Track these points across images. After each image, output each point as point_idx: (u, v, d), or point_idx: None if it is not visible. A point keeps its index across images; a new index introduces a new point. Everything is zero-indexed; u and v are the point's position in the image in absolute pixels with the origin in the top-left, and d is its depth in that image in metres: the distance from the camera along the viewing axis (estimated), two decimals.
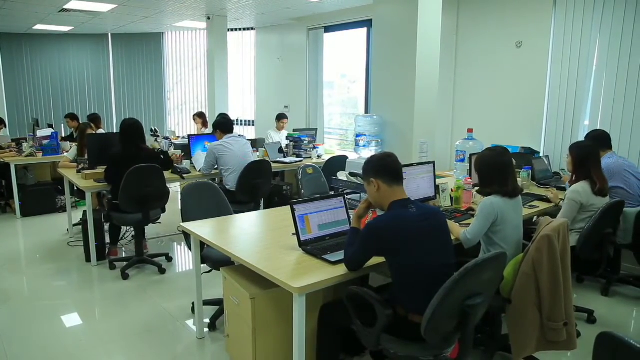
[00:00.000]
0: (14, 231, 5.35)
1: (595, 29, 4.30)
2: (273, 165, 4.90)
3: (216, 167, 4.45)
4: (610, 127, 4.20)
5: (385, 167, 2.11)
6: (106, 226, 4.43)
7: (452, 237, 2.30)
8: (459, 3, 5.43)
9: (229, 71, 7.92)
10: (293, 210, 2.38)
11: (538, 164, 4.26)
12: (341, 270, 2.10)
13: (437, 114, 4.41)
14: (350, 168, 3.76)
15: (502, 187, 2.49)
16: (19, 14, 7.23)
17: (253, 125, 9.06)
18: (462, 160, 4.16)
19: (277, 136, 6.49)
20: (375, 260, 2.13)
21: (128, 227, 4.75)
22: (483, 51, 5.25)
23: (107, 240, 4.39)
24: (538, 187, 4.02)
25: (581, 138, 4.20)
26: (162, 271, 4.00)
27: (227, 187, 4.34)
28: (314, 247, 2.34)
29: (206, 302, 3.06)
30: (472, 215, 2.92)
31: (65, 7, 6.59)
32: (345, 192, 3.06)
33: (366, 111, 6.71)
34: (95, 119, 6.10)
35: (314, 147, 5.96)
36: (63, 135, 6.97)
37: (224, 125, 4.49)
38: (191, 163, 4.83)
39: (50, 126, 6.78)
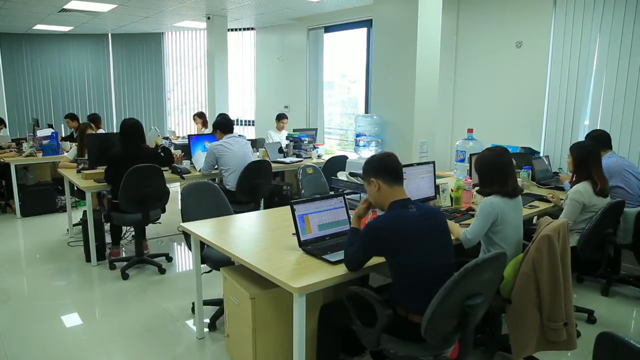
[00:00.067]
0: (14, 231, 5.35)
1: (595, 29, 4.30)
2: (273, 165, 4.90)
3: (216, 167, 4.45)
4: (610, 127, 4.20)
5: (385, 167, 2.11)
6: (107, 226, 4.43)
7: (452, 237, 2.30)
8: (459, 3, 5.43)
9: (229, 71, 7.92)
10: (293, 210, 2.38)
11: (538, 164, 4.26)
12: (341, 270, 2.10)
13: (437, 114, 4.41)
14: (350, 168, 3.76)
15: (502, 187, 2.49)
16: (19, 14, 7.23)
17: (253, 125, 9.06)
18: (462, 160, 4.16)
19: (277, 136, 6.49)
20: (375, 260, 2.13)
21: (128, 227, 4.75)
22: (483, 51, 5.25)
23: (107, 240, 4.39)
24: (538, 187, 4.02)
25: (581, 138, 4.20)
26: (162, 271, 4.00)
27: (227, 187, 4.34)
28: (314, 247, 2.34)
29: (206, 302, 3.06)
30: (472, 215, 2.92)
31: (65, 7, 6.59)
32: (345, 192, 3.06)
33: (366, 111, 6.71)
34: (95, 119, 6.10)
35: (314, 147, 5.96)
36: (63, 135, 6.97)
37: (224, 125, 4.49)
38: (191, 163, 4.83)
39: (50, 126, 6.79)
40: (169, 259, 4.28)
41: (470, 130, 4.28)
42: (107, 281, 3.86)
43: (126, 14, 7.38)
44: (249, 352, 2.30)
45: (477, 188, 2.79)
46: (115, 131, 8.30)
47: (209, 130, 6.57)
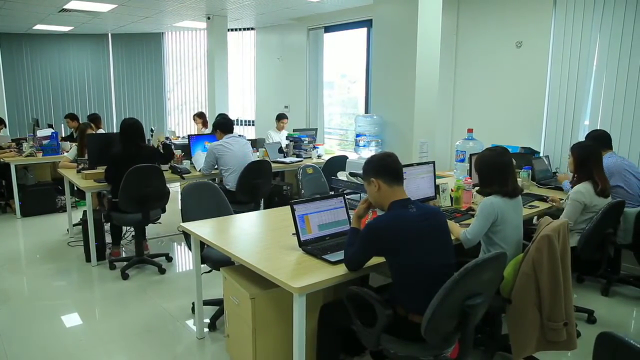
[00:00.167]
0: (14, 231, 5.35)
1: (595, 29, 4.30)
2: (273, 165, 4.90)
3: (216, 167, 4.45)
4: (610, 127, 4.20)
5: (385, 167, 2.11)
6: (107, 226, 4.43)
7: (452, 237, 2.30)
8: (459, 3, 5.43)
9: (229, 71, 7.92)
10: (293, 210, 2.38)
11: (538, 164, 4.26)
12: (341, 270, 2.10)
13: (437, 114, 4.41)
14: (350, 168, 3.76)
15: (502, 187, 2.49)
16: (19, 14, 7.23)
17: (253, 125, 9.06)
18: (462, 160, 4.16)
19: (277, 136, 6.49)
20: (375, 260, 2.13)
21: (128, 227, 4.75)
22: (483, 51, 5.25)
23: (107, 240, 4.39)
24: (538, 187, 4.02)
25: (581, 138, 4.20)
26: (162, 271, 4.00)
27: (227, 187, 4.34)
28: (314, 247, 2.34)
29: (206, 302, 3.06)
30: (472, 215, 2.92)
31: (65, 7, 6.59)
32: (345, 192, 3.06)
33: (366, 111, 6.71)
34: (95, 119, 6.10)
35: (314, 147, 5.96)
36: (63, 135, 6.97)
37: (224, 125, 4.49)
38: (191, 163, 4.83)
39: (50, 126, 6.79)
40: (169, 259, 4.28)
41: (470, 130, 4.28)
42: (107, 281, 3.86)
43: (126, 14, 7.38)
44: (249, 352, 2.30)
45: (477, 188, 2.79)
46: (115, 131, 8.31)
47: (209, 130, 6.57)
